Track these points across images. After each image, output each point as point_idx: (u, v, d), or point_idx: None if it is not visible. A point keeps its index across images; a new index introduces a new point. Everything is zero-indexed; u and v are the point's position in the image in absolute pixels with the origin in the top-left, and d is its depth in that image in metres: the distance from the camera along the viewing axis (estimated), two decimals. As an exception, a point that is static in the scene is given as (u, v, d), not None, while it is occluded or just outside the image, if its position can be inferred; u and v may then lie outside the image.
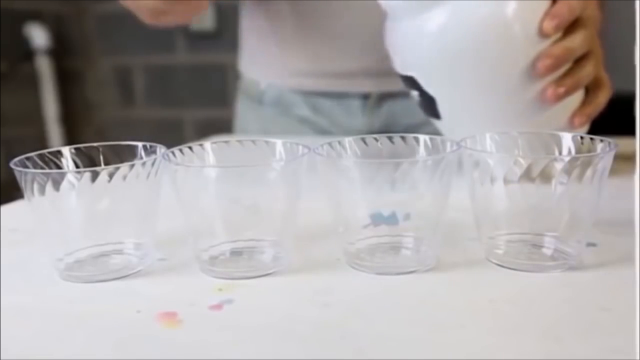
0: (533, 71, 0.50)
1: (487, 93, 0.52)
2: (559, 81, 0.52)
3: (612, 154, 0.36)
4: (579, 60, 0.53)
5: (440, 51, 0.51)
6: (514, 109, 0.53)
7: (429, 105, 0.55)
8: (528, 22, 0.50)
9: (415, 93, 0.55)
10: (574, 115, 0.54)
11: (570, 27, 0.52)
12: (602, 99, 0.56)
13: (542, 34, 0.50)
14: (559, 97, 0.51)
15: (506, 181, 0.37)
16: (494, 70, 0.51)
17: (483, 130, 0.43)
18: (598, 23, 0.57)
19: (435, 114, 0.55)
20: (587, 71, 0.53)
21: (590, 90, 0.56)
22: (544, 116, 0.53)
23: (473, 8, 0.50)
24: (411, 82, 0.54)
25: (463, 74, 0.52)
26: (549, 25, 0.50)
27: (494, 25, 0.50)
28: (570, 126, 0.54)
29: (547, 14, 0.50)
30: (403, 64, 0.54)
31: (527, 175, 0.36)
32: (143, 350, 0.30)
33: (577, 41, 0.52)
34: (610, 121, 0.76)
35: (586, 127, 0.57)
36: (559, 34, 0.51)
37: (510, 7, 0.49)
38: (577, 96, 0.55)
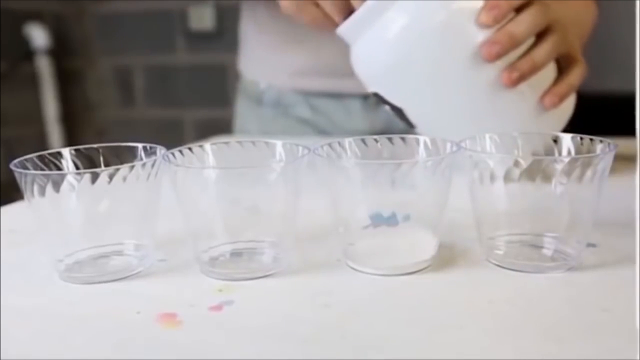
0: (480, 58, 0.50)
1: (449, 91, 0.52)
2: (513, 65, 0.51)
3: (612, 154, 0.36)
4: (538, 39, 0.52)
5: (395, 61, 0.51)
6: (480, 100, 0.52)
7: (400, 115, 0.56)
8: (473, 13, 0.50)
9: (387, 108, 0.56)
10: (544, 95, 0.53)
11: (521, 7, 0.51)
12: (574, 77, 0.55)
13: (482, 26, 0.50)
14: (515, 82, 0.50)
15: (506, 182, 0.37)
16: (447, 63, 0.51)
17: (458, 129, 0.44)
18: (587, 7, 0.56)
19: (409, 123, 0.56)
20: (544, 51, 0.52)
21: (563, 69, 0.55)
22: (511, 101, 0.52)
23: (416, 11, 0.50)
24: (378, 97, 0.55)
25: (420, 78, 0.52)
26: (485, 17, 0.49)
27: (441, 22, 0.50)
28: (542, 107, 0.53)
29: (484, 6, 0.50)
30: (367, 82, 0.55)
31: (526, 175, 0.36)
32: (143, 351, 0.30)
33: (522, 25, 0.51)
34: (610, 121, 0.76)
35: (565, 116, 0.56)
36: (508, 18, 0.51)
37: (455, 5, 0.50)
38: (548, 76, 0.54)
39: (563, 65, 0.55)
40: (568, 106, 0.56)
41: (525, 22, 0.51)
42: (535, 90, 0.53)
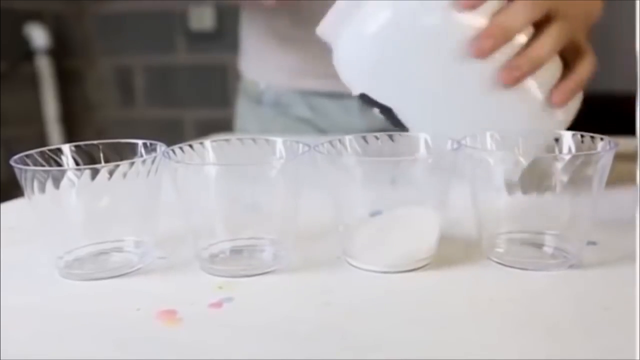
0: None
1: (443, 87, 0.48)
2: (512, 62, 0.46)
3: (613, 152, 0.36)
4: (538, 30, 0.48)
5: (380, 56, 0.47)
6: (476, 97, 0.48)
7: (391, 117, 0.50)
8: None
9: (375, 110, 0.51)
10: (551, 92, 0.48)
11: None
12: (583, 70, 0.49)
13: (467, 12, 0.45)
14: (515, 80, 0.46)
15: (507, 180, 0.37)
16: (437, 58, 0.46)
17: (452, 128, 0.41)
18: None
19: (401, 125, 0.51)
20: (547, 44, 0.47)
21: (570, 62, 0.50)
22: (512, 100, 0.47)
23: (399, 3, 0.46)
24: (366, 99, 0.50)
25: (408, 73, 0.47)
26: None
27: (431, 13, 0.45)
28: (550, 105, 0.49)
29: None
30: (353, 84, 0.51)
31: (527, 173, 0.36)
32: (143, 349, 0.30)
33: (516, 15, 0.46)
34: (610, 121, 0.76)
35: (571, 113, 0.51)
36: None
37: None
38: (553, 70, 0.49)
39: (568, 57, 0.51)
40: (574, 102, 0.52)
41: (520, 13, 0.46)
42: (540, 86, 0.48)
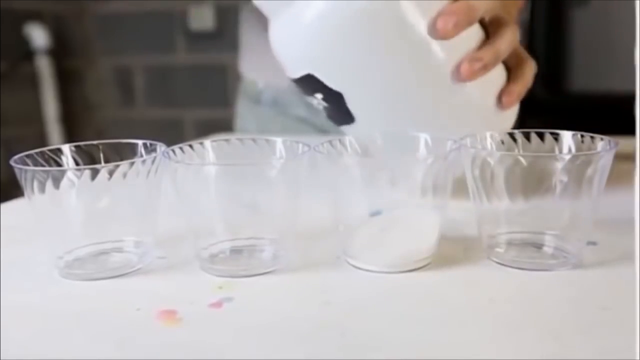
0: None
1: (396, 74, 0.44)
2: (473, 55, 0.44)
3: (613, 152, 0.36)
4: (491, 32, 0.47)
5: (334, 35, 0.42)
6: (429, 90, 0.45)
7: (337, 104, 0.45)
8: None
9: (319, 96, 0.46)
10: (501, 94, 0.47)
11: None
12: (528, 74, 0.50)
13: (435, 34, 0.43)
14: (476, 74, 0.44)
15: (507, 180, 0.37)
16: (395, 40, 0.43)
17: (401, 122, 0.42)
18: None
19: (347, 114, 0.46)
20: (507, 41, 0.46)
21: (513, 67, 0.49)
22: (462, 99, 0.46)
23: None
24: (310, 82, 0.45)
25: (367, 55, 0.43)
26: (442, 24, 0.43)
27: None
28: (499, 107, 0.48)
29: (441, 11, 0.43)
30: (295, 63, 0.45)
31: (527, 173, 0.36)
32: (143, 348, 0.30)
33: (504, 41, 0.46)
34: (610, 121, 0.76)
35: (514, 116, 0.50)
36: None
37: None
38: (499, 75, 0.48)
39: (510, 63, 0.50)
40: (515, 109, 0.50)
41: (507, 38, 0.46)
42: (489, 89, 0.47)
